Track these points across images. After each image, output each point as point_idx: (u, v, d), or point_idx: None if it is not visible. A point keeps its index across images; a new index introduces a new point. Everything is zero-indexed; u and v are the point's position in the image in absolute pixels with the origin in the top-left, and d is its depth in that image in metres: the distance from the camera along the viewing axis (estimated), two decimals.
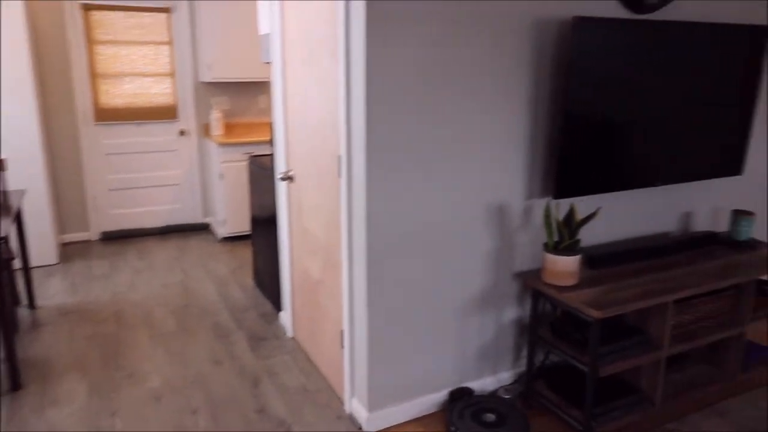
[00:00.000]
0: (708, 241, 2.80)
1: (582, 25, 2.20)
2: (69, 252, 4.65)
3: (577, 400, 2.38)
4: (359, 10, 2.00)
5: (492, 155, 2.35)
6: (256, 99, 5.36)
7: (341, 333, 2.54)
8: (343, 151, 2.25)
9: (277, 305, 3.46)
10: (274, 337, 3.19)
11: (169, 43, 4.98)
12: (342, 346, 2.54)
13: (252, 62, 4.97)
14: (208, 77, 4.86)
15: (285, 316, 3.28)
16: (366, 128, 2.08)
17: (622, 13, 2.48)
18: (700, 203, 3.01)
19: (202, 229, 5.36)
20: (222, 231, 4.93)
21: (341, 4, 2.10)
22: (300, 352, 3.02)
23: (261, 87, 5.36)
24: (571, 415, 2.33)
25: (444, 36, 2.13)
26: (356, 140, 2.16)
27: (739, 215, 2.80)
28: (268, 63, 4.05)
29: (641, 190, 2.77)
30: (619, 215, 2.75)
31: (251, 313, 3.51)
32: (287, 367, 2.87)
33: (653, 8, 2.52)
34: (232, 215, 4.90)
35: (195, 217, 5.34)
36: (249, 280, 4.05)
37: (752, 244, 2.81)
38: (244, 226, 4.97)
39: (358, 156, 2.15)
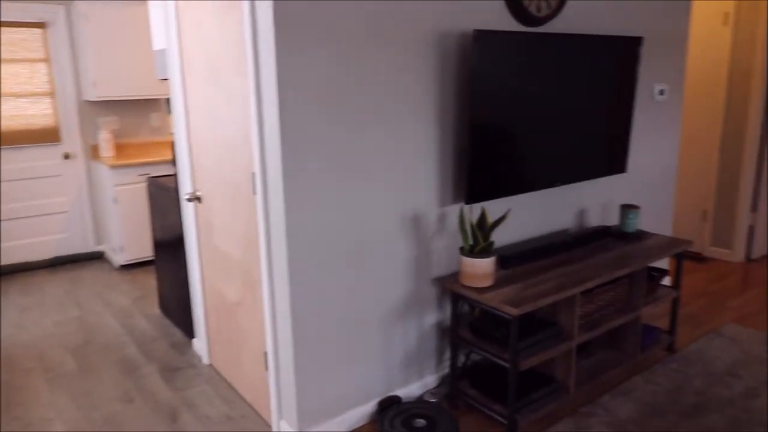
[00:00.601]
0: (602, 235, 3.04)
1: (482, 37, 2.32)
2: None
3: (499, 396, 2.48)
4: (267, 29, 1.97)
5: (405, 165, 2.40)
6: (148, 117, 5.10)
7: (265, 354, 2.47)
8: (257, 168, 2.20)
9: (189, 332, 3.30)
10: (189, 367, 3.03)
11: (46, 60, 4.61)
12: (266, 368, 2.46)
13: (142, 79, 4.72)
14: (93, 96, 4.55)
15: (199, 343, 3.13)
16: (281, 145, 2.05)
17: (516, 26, 2.64)
18: (593, 200, 3.26)
19: (96, 258, 4.99)
20: (119, 259, 4.62)
21: (247, 24, 2.06)
22: (219, 380, 2.90)
23: (153, 105, 5.10)
24: (495, 410, 2.42)
25: (352, 52, 2.15)
26: (271, 157, 2.12)
27: (627, 209, 3.06)
28: (163, 80, 3.87)
29: (542, 191, 2.95)
30: (524, 216, 2.91)
31: (161, 344, 3.31)
32: (207, 397, 2.74)
33: (542, 21, 2.70)
34: (129, 241, 4.61)
35: (87, 246, 4.97)
36: (155, 309, 3.82)
37: (639, 235, 3.09)
38: (144, 252, 4.69)
39: (274, 172, 2.12)
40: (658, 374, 2.84)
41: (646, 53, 3.32)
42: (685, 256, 4.57)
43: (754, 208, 4.44)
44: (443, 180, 2.55)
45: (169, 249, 3.41)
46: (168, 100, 5.17)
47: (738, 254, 4.48)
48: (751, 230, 4.47)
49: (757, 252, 4.53)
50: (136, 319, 3.67)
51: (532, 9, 2.63)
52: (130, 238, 4.60)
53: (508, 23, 2.61)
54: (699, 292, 3.93)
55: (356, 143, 2.24)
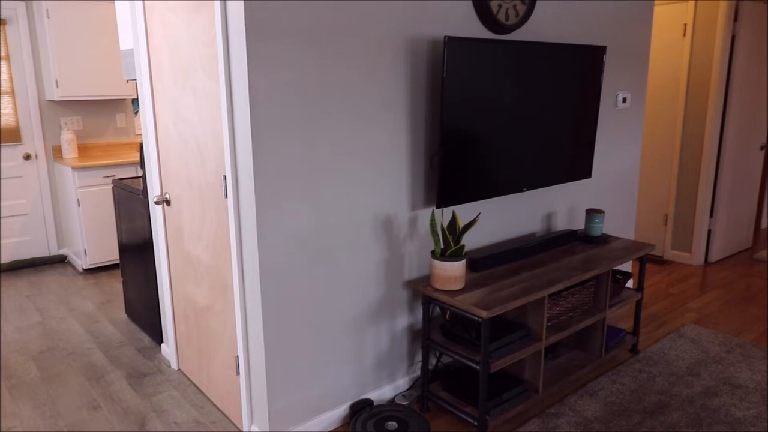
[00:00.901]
0: (569, 239, 3.11)
1: (452, 44, 2.36)
2: None
3: (470, 398, 2.51)
4: (239, 32, 1.97)
5: (377, 169, 2.42)
6: (113, 118, 4.99)
7: (236, 359, 2.44)
8: (228, 171, 2.18)
9: (157, 337, 3.24)
10: (157, 372, 2.98)
11: (6, 58, 4.47)
12: (237, 372, 2.44)
13: (108, 78, 4.63)
14: (55, 95, 4.44)
15: (168, 348, 3.08)
16: (253, 147, 2.04)
17: (486, 33, 2.69)
18: (560, 205, 3.34)
19: (59, 262, 4.86)
20: (83, 262, 4.51)
21: (219, 25, 2.05)
22: (188, 385, 2.85)
23: (119, 105, 5.00)
24: (466, 411, 2.46)
25: (324, 56, 2.16)
26: (242, 160, 2.11)
27: (592, 213, 3.14)
28: (130, 80, 3.81)
29: (511, 195, 3.01)
30: (493, 220, 2.96)
31: (127, 349, 3.24)
32: (176, 402, 2.70)
33: (511, 29, 2.76)
34: (94, 244, 4.50)
35: (49, 250, 4.83)
36: (121, 314, 3.74)
37: (604, 239, 3.17)
38: (109, 256, 4.58)
39: (246, 176, 2.11)
40: (622, 374, 2.92)
41: (609, 62, 3.41)
42: (647, 259, 4.71)
43: (712, 213, 4.60)
44: (414, 183, 2.57)
45: (136, 252, 3.35)
46: (134, 101, 5.07)
47: (697, 257, 4.64)
48: (710, 234, 4.64)
49: (715, 255, 4.69)
50: (102, 324, 3.59)
51: (501, 17, 2.68)
52: (94, 241, 4.50)
53: (478, 30, 2.66)
54: (661, 294, 4.05)
55: (328, 146, 2.25)
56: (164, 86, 2.62)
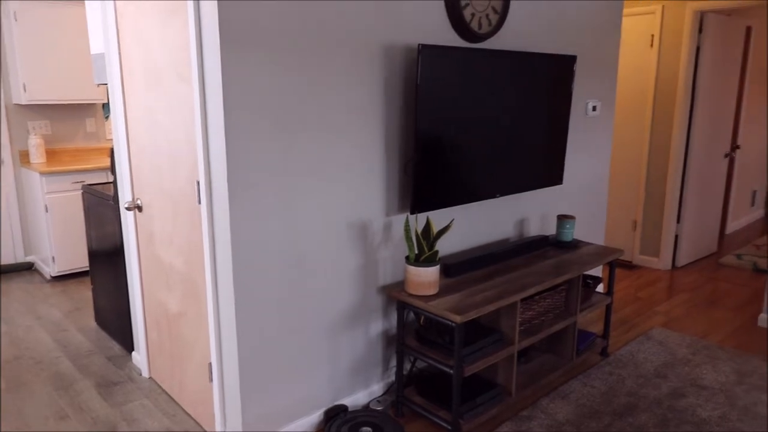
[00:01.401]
0: (541, 244, 3.16)
1: (426, 51, 2.39)
2: None
3: (444, 402, 2.53)
4: (213, 36, 1.96)
5: (352, 175, 2.43)
6: (83, 122, 4.91)
7: (209, 366, 2.42)
8: (202, 177, 2.17)
9: (128, 345, 3.19)
10: (127, 381, 2.93)
11: None
12: (210, 380, 2.42)
13: (77, 82, 4.55)
14: (23, 99, 4.35)
15: (139, 356, 3.03)
16: (226, 153, 2.03)
17: (459, 42, 2.73)
18: (532, 211, 3.39)
19: (26, 269, 4.74)
20: (51, 270, 4.41)
21: (192, 30, 2.04)
22: (160, 393, 2.81)
23: (89, 109, 4.92)
24: (440, 416, 2.47)
25: (298, 61, 2.17)
26: (216, 166, 2.10)
27: (563, 219, 3.20)
28: (101, 84, 3.76)
29: (484, 201, 3.04)
30: (467, 225, 2.99)
31: (97, 358, 3.18)
32: (147, 411, 2.66)
33: (484, 38, 2.80)
34: (62, 251, 4.41)
35: (15, 257, 4.71)
36: (90, 322, 3.67)
37: (575, 244, 3.23)
38: (79, 263, 4.49)
39: (219, 181, 2.10)
40: (593, 377, 2.97)
41: (580, 71, 3.49)
42: (617, 264, 4.81)
43: (679, 219, 4.72)
44: (389, 189, 2.59)
45: (106, 259, 3.29)
46: (105, 105, 4.99)
47: (665, 262, 4.75)
48: (677, 240, 4.76)
49: (682, 260, 4.81)
50: (71, 332, 3.51)
51: (474, 26, 2.73)
52: (62, 248, 4.40)
53: (451, 39, 2.69)
54: (630, 298, 4.13)
55: (303, 152, 2.25)
56: (136, 90, 2.59)
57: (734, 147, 5.44)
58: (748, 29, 5.43)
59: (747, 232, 5.99)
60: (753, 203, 6.41)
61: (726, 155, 5.10)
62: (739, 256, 5.06)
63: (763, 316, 3.65)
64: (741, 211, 6.17)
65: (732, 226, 6.01)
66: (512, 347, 2.58)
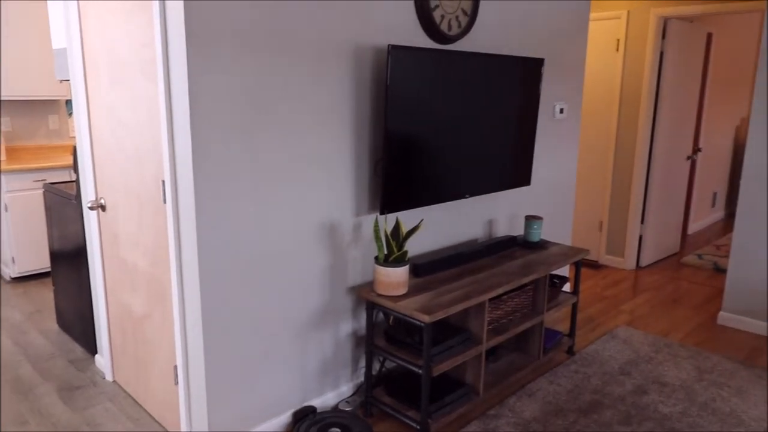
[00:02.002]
0: (509, 244, 3.20)
1: (396, 52, 2.39)
2: None
3: (413, 402, 2.54)
4: (178, 34, 1.93)
5: (321, 175, 2.42)
6: (45, 119, 4.78)
7: (174, 368, 2.38)
8: (167, 177, 2.13)
9: (91, 348, 3.11)
10: (90, 384, 2.86)
11: None
12: (176, 382, 2.38)
13: (39, 78, 4.43)
14: None
15: (102, 360, 2.97)
16: (192, 152, 2.00)
17: (429, 43, 2.74)
18: (500, 211, 3.43)
19: None
20: (10, 271, 4.28)
21: (157, 27, 2.00)
22: (124, 397, 2.75)
23: (52, 106, 4.79)
24: (409, 416, 2.48)
25: (266, 61, 2.15)
26: (182, 164, 2.07)
27: (531, 220, 3.24)
28: (64, 80, 3.66)
29: (453, 202, 3.06)
30: (436, 226, 3.01)
31: (59, 361, 3.10)
32: (110, 415, 2.60)
33: (453, 39, 2.82)
34: (23, 252, 4.28)
35: None
36: (52, 324, 3.57)
37: (542, 244, 3.28)
38: (39, 264, 4.37)
39: (185, 181, 2.06)
40: (559, 375, 3.02)
41: (547, 74, 3.54)
42: (583, 263, 4.90)
43: (643, 220, 4.84)
44: (359, 190, 2.59)
45: (69, 260, 3.21)
46: (69, 102, 4.87)
47: (629, 262, 4.86)
48: (641, 240, 4.87)
49: (646, 260, 4.93)
50: (31, 335, 3.41)
51: (444, 27, 2.74)
52: (23, 248, 4.28)
53: (421, 40, 2.70)
54: (596, 297, 4.22)
55: (271, 151, 2.23)
56: (100, 87, 2.53)
57: (696, 150, 5.60)
58: (709, 36, 5.59)
59: (708, 233, 6.17)
60: (714, 204, 6.60)
61: (688, 158, 5.24)
62: (700, 256, 5.21)
63: (722, 314, 3.76)
64: (702, 212, 6.35)
65: (693, 227, 6.18)
66: (480, 346, 2.60)
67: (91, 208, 2.70)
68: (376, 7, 2.47)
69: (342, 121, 2.45)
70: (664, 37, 4.52)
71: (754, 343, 3.47)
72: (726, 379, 3.00)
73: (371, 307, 2.53)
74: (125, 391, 2.80)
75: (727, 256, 5.19)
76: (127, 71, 2.31)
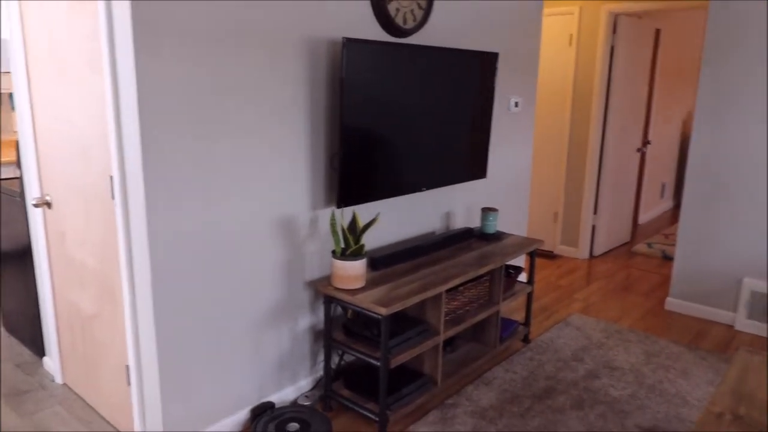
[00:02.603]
0: (466, 236, 3.24)
1: (351, 45, 2.38)
2: None
3: (372, 394, 2.55)
4: (125, 27, 1.87)
5: (276, 168, 2.40)
6: None
7: (126, 368, 2.32)
8: (115, 171, 2.07)
9: (39, 351, 3.01)
10: (39, 388, 2.77)
11: None
12: (128, 383, 2.32)
13: None
14: None
15: (51, 362, 2.87)
16: (141, 147, 1.95)
17: (385, 36, 2.74)
18: (457, 204, 3.47)
19: None
20: None
21: (103, 19, 1.94)
22: (75, 399, 2.67)
23: None
24: (368, 408, 2.49)
25: (217, 54, 2.11)
26: (130, 160, 2.01)
27: (487, 212, 3.29)
28: (5, 73, 3.51)
29: (410, 195, 3.08)
30: (393, 219, 3.02)
31: (5, 365, 2.98)
32: (61, 419, 2.52)
33: (409, 33, 2.83)
34: None
35: None
36: None
37: (498, 236, 3.33)
38: None
39: (134, 176, 2.01)
40: (515, 363, 3.08)
41: (502, 68, 3.59)
42: (538, 253, 5.01)
43: (596, 210, 4.97)
44: (315, 184, 2.57)
45: (13, 260, 3.09)
46: (11, 95, 4.66)
47: (583, 252, 4.99)
48: (594, 230, 5.01)
49: (599, 249, 5.07)
50: None
51: (399, 21, 2.75)
52: None
53: (377, 33, 2.70)
54: (550, 286, 4.32)
55: (224, 145, 2.19)
56: (43, 80, 2.44)
57: (645, 142, 5.78)
58: (657, 31, 5.77)
59: (657, 223, 6.39)
60: (662, 195, 6.84)
61: (638, 150, 5.41)
62: (649, 245, 5.39)
63: (669, 300, 3.91)
64: (651, 202, 6.57)
65: (643, 217, 6.39)
66: (438, 337, 2.63)
67: (35, 206, 2.60)
68: None
69: (297, 114, 2.43)
70: (614, 32, 4.64)
71: (698, 327, 3.62)
72: (672, 362, 3.12)
73: (329, 301, 2.52)
74: (76, 394, 2.72)
75: (674, 245, 5.39)
76: (71, 63, 2.23)
